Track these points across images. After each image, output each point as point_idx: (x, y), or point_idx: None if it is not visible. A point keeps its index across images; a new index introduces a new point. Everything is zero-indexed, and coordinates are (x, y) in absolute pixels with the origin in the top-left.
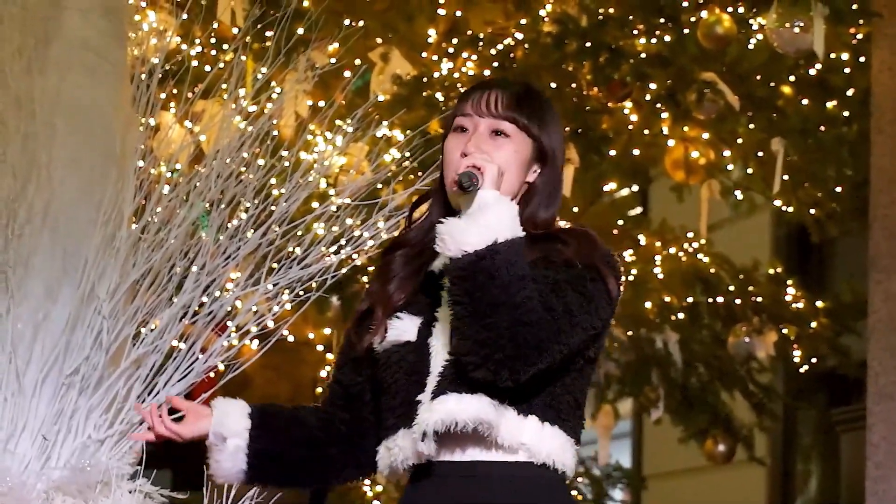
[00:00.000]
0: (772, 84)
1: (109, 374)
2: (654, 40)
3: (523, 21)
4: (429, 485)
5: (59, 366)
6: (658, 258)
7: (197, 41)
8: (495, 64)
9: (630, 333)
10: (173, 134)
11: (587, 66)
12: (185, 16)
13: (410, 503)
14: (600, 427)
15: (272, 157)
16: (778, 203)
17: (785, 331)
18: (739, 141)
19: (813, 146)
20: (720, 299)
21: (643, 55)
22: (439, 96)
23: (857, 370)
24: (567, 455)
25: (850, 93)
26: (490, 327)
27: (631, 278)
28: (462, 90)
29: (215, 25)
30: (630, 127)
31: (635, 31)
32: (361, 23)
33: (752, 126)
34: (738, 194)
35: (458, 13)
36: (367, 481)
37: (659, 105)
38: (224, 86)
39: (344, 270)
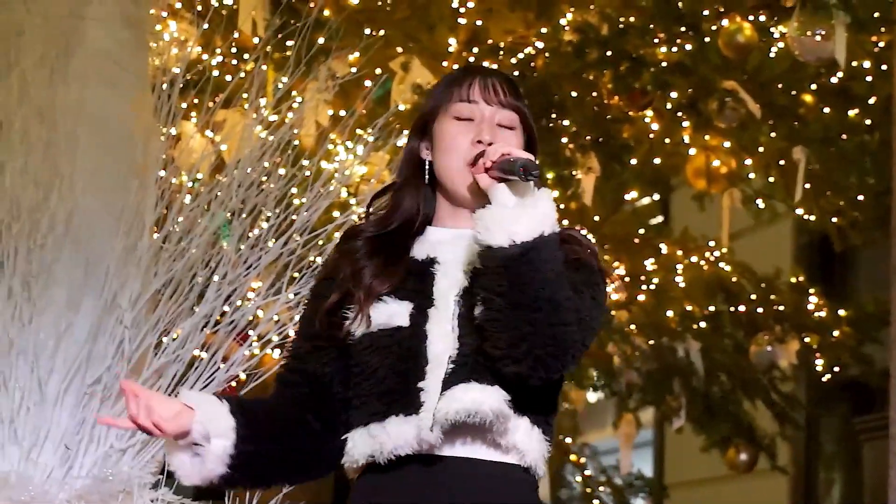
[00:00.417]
0: (793, 92)
1: None
2: (675, 49)
3: (544, 30)
4: (416, 477)
5: (82, 375)
6: (680, 267)
7: (218, 51)
8: (515, 73)
9: (652, 342)
10: (194, 143)
11: (608, 75)
12: (206, 25)
13: (397, 495)
14: (622, 436)
15: (293, 167)
16: (800, 212)
17: (807, 339)
18: (761, 149)
19: (835, 154)
20: (742, 308)
21: (664, 64)
22: None
23: (879, 379)
24: (543, 462)
25: (871, 101)
26: (532, 322)
27: (652, 287)
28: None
29: (236, 35)
30: (651, 136)
31: (656, 40)
32: (382, 32)
33: (773, 134)
34: (760, 203)
35: (479, 22)
36: None
37: (680, 114)
38: (245, 95)
39: None
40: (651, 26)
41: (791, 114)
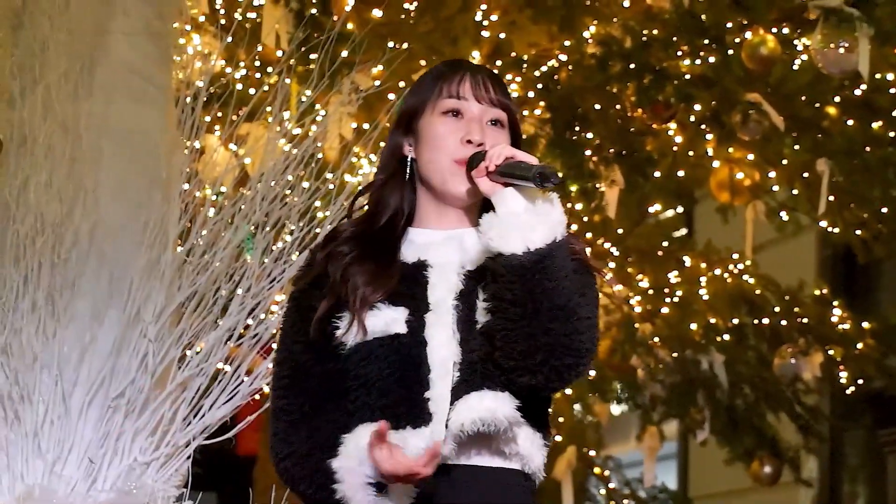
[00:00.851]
0: (817, 105)
1: (155, 396)
2: (698, 61)
3: (567, 43)
4: (429, 486)
5: (105, 389)
6: (703, 279)
7: (242, 64)
8: (539, 85)
9: (675, 355)
10: (218, 157)
11: (631, 88)
12: (229, 39)
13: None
14: (646, 448)
15: (317, 180)
16: (823, 224)
17: (831, 352)
18: (784, 162)
19: (858, 167)
20: (766, 320)
21: (687, 76)
22: None
23: None
24: (542, 468)
25: (895, 113)
26: (549, 333)
27: (676, 300)
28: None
29: (260, 48)
30: (675, 148)
31: (679, 53)
32: (406, 45)
33: (797, 147)
34: (784, 215)
35: (502, 35)
36: None
37: (704, 126)
38: (268, 108)
39: None
40: (674, 39)
41: (815, 126)
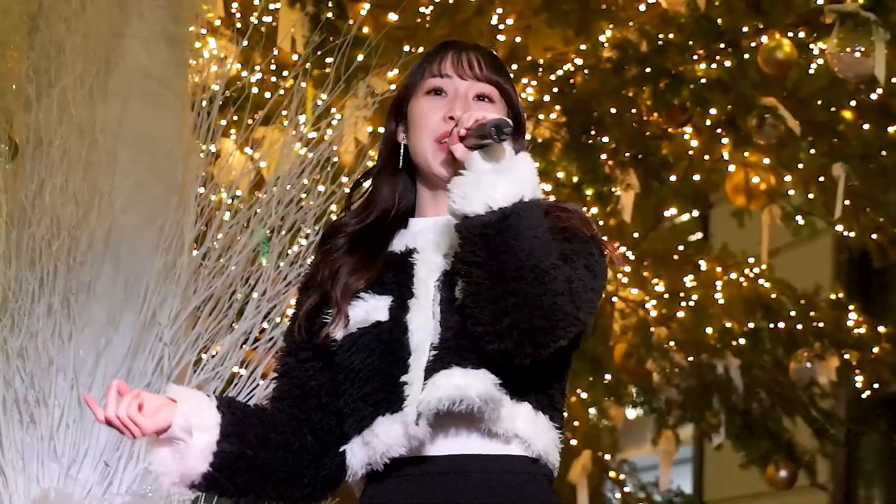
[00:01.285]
0: (833, 109)
1: None
2: (714, 65)
3: (583, 47)
4: (410, 481)
5: None
6: (719, 284)
7: (257, 68)
8: (555, 89)
9: (691, 359)
10: (234, 160)
11: (647, 92)
12: (245, 43)
13: (391, 501)
14: (661, 452)
15: (332, 184)
16: (839, 228)
17: (847, 356)
18: (800, 166)
19: (874, 171)
20: (781, 325)
21: (703, 80)
22: None
23: None
24: (556, 450)
25: None
26: (515, 293)
27: (692, 304)
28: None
29: (275, 52)
30: (690, 152)
31: (695, 57)
32: (421, 49)
33: (813, 151)
34: (800, 219)
35: (518, 39)
36: None
37: (719, 130)
38: (284, 112)
39: None
40: (690, 43)
41: (830, 130)
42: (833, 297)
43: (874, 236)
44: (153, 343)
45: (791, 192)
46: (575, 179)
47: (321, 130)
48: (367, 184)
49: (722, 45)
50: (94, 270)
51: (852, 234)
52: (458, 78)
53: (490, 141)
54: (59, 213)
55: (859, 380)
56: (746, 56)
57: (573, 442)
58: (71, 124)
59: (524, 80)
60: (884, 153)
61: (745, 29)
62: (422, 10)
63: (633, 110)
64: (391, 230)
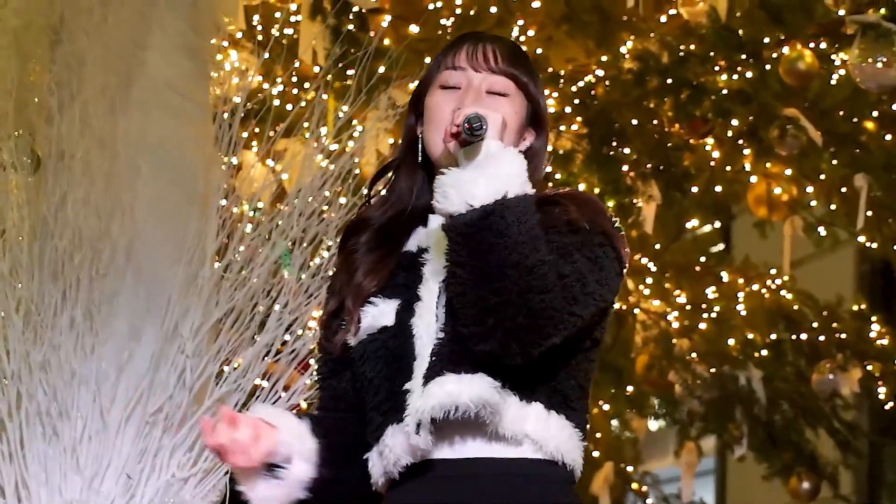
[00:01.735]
0: (855, 120)
1: (193, 412)
2: (735, 76)
3: (604, 58)
4: (422, 487)
5: (143, 404)
6: (741, 295)
7: (279, 80)
8: (576, 101)
9: (713, 370)
10: (255, 173)
11: (668, 103)
12: (266, 55)
13: None
14: (684, 464)
15: (354, 196)
16: (862, 239)
17: (869, 367)
18: (822, 177)
19: None
20: (804, 336)
21: (725, 91)
22: None
23: None
24: (576, 450)
25: None
26: (498, 292)
27: (714, 315)
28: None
29: (297, 64)
30: (712, 163)
31: (717, 68)
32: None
33: (835, 162)
34: (822, 230)
35: (539, 51)
36: None
37: (741, 141)
38: (306, 124)
39: None
40: (711, 54)
41: (852, 141)
42: (855, 308)
43: None
44: (175, 355)
45: (813, 203)
46: (596, 191)
47: (343, 142)
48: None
49: (743, 56)
50: (117, 283)
51: (875, 245)
52: (472, 70)
53: (471, 137)
54: (81, 225)
55: (882, 391)
56: (768, 67)
57: (595, 454)
58: (93, 137)
59: (545, 92)
60: None
61: (766, 40)
62: (443, 21)
63: (655, 121)
64: (409, 227)
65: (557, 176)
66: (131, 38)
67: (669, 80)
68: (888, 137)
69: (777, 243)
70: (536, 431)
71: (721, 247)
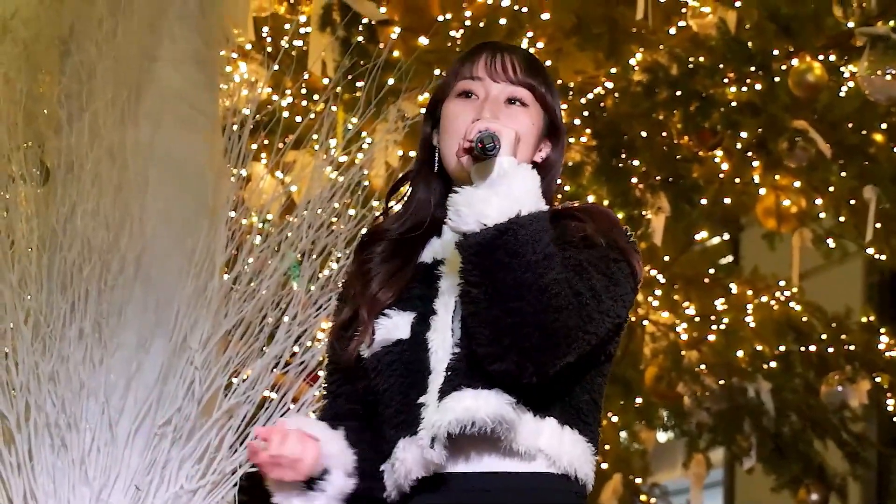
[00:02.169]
0: (863, 132)
1: (202, 424)
2: (744, 88)
3: (613, 70)
4: (436, 500)
5: (152, 416)
6: (750, 307)
7: (288, 92)
8: (585, 113)
9: (722, 382)
10: (265, 184)
11: (678, 115)
12: (276, 67)
13: None
14: (693, 475)
15: (363, 208)
16: (870, 251)
17: (878, 379)
18: (831, 189)
19: None
20: (812, 348)
21: (734, 103)
22: None
23: None
24: (588, 464)
25: None
26: (513, 313)
27: (723, 327)
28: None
29: (306, 76)
30: (721, 175)
31: (726, 80)
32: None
33: (843, 174)
34: (831, 242)
35: (549, 63)
36: None
37: (750, 153)
38: (315, 136)
39: None
40: (721, 66)
41: (861, 153)
42: (864, 319)
43: None
44: (184, 367)
45: (822, 214)
46: (606, 203)
47: (352, 154)
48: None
49: (752, 68)
50: (125, 294)
51: (883, 257)
52: (490, 80)
53: (483, 155)
54: (90, 237)
55: (891, 403)
56: (777, 79)
57: (604, 465)
58: (102, 148)
59: None
60: None
61: (775, 52)
62: (452, 33)
63: (664, 133)
64: (424, 238)
65: (567, 188)
66: (141, 50)
67: (679, 92)
68: None
69: (786, 255)
70: (550, 446)
71: (730, 258)
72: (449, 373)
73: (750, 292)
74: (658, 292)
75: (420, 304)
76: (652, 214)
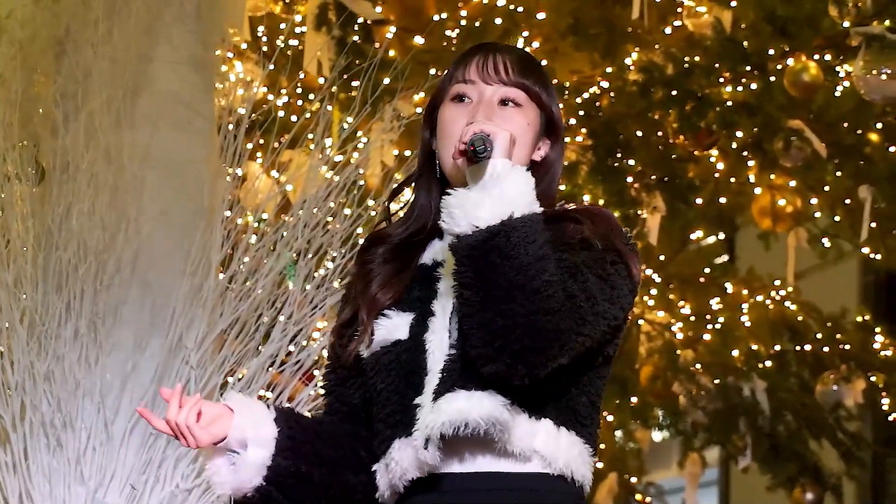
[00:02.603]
0: (859, 131)
1: None
2: (740, 88)
3: (609, 69)
4: (430, 501)
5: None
6: (745, 306)
7: (283, 91)
8: (581, 112)
9: (717, 381)
10: (260, 184)
11: (673, 115)
12: (271, 66)
13: None
14: (688, 475)
15: (359, 207)
16: (866, 250)
17: (873, 378)
18: (827, 188)
19: None
20: (808, 347)
21: (729, 103)
22: None
23: None
24: (585, 465)
25: None
26: (505, 315)
27: (718, 326)
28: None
29: (302, 76)
30: (717, 175)
31: (721, 79)
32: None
33: (839, 173)
34: (826, 242)
35: (544, 62)
36: None
37: (745, 153)
38: (310, 135)
39: None
40: (716, 66)
41: (857, 152)
42: (859, 319)
43: None
44: (180, 366)
45: (817, 214)
46: (601, 202)
47: (347, 154)
48: (407, 192)
49: (748, 68)
50: (121, 294)
51: (878, 257)
52: (483, 83)
53: (476, 157)
54: (85, 237)
55: (886, 402)
56: (773, 78)
57: (599, 464)
58: (98, 149)
59: None
60: None
61: (771, 51)
62: (448, 33)
63: (660, 133)
64: (427, 240)
65: (562, 187)
66: (137, 50)
67: (674, 92)
68: (892, 149)
69: (781, 255)
70: (546, 448)
71: (725, 258)
72: (443, 374)
73: (745, 292)
74: (653, 291)
75: (419, 306)
76: (647, 214)
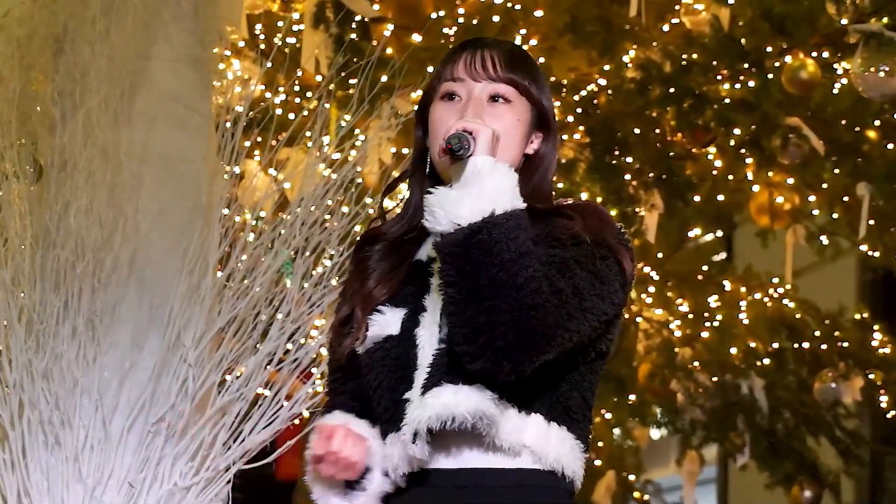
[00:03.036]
0: (857, 129)
1: (195, 421)
2: (738, 86)
3: (607, 67)
4: (420, 496)
5: (146, 414)
6: (743, 304)
7: (281, 89)
8: (578, 110)
9: (715, 379)
10: (258, 182)
11: (671, 112)
12: (269, 64)
13: None
14: (686, 473)
15: (356, 205)
16: (864, 248)
17: (871, 376)
18: (824, 186)
19: None
20: (806, 345)
21: (727, 101)
22: None
23: None
24: (576, 461)
25: None
26: (489, 311)
27: (716, 324)
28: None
29: (299, 73)
30: (714, 172)
31: (719, 77)
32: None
33: (837, 171)
34: (824, 239)
35: (542, 60)
36: None
37: (743, 150)
38: (308, 133)
39: None
40: (714, 63)
41: (855, 150)
42: (857, 316)
43: None
44: (178, 364)
45: (815, 211)
46: (599, 200)
47: (345, 152)
48: (405, 189)
49: (746, 66)
50: (119, 292)
51: (876, 254)
52: (471, 80)
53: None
54: (83, 235)
55: (884, 400)
56: (770, 76)
57: (597, 462)
58: (95, 147)
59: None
60: None
61: (769, 49)
62: (445, 31)
63: (657, 131)
64: (421, 237)
65: (560, 185)
66: (134, 49)
67: (672, 90)
68: (890, 146)
69: (779, 252)
70: (535, 443)
71: (723, 256)
72: (431, 368)
73: (743, 289)
74: (651, 289)
75: (412, 301)
76: (645, 211)
